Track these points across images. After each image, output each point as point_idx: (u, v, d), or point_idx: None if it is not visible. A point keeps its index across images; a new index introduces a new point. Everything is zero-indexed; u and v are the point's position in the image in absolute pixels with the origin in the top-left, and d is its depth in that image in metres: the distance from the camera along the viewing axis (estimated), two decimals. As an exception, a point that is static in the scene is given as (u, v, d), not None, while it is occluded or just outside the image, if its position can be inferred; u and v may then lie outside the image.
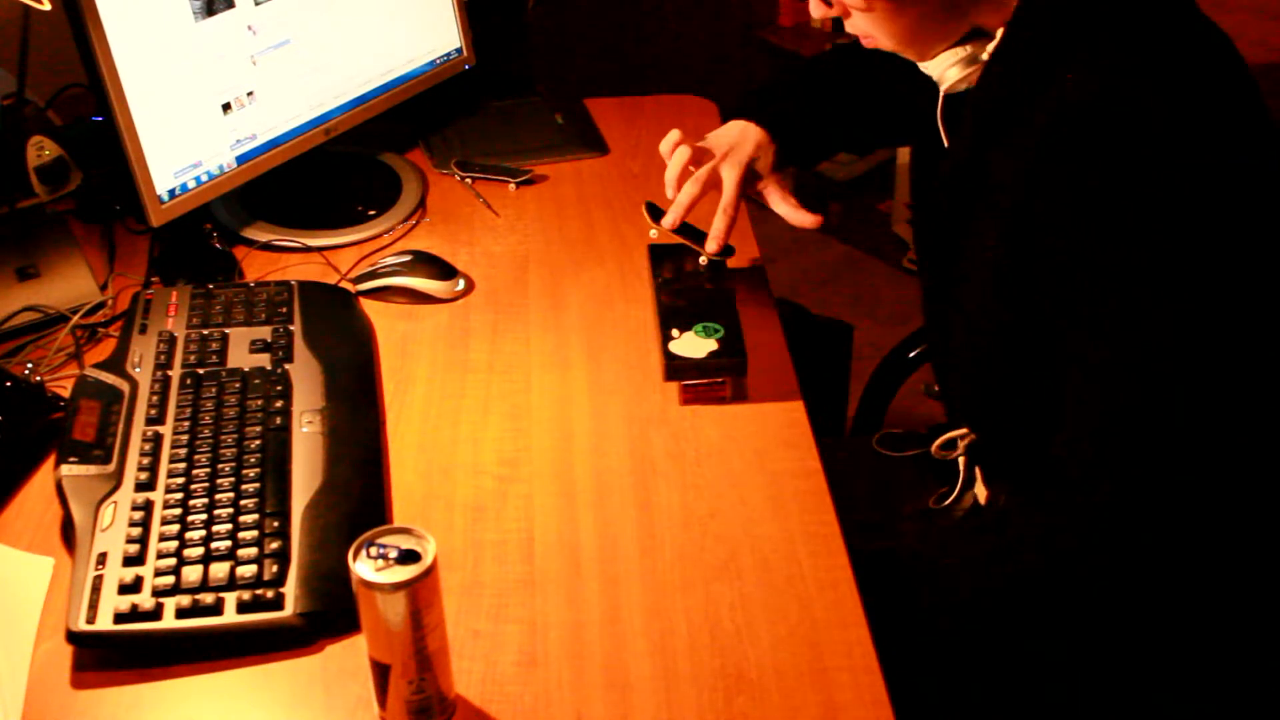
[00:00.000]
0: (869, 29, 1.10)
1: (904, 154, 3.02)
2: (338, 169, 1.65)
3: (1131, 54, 0.97)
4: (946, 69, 1.12)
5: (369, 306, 1.41)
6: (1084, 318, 0.96)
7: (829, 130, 1.45)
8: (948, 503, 1.28)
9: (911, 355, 1.63)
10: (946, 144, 1.16)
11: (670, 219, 1.37)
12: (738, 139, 1.40)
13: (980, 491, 1.20)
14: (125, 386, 1.23)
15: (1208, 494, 0.93)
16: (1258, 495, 0.94)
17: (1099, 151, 0.95)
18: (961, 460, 1.25)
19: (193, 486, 1.12)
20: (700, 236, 1.39)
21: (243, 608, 1.02)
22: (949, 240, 1.11)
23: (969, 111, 1.09)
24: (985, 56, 1.08)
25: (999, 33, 1.06)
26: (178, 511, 1.09)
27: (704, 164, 1.38)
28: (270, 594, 1.03)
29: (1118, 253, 0.93)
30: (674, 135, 1.38)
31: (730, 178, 1.38)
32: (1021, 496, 1.14)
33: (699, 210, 1.38)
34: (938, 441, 1.23)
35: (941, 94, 1.15)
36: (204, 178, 1.43)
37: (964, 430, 1.20)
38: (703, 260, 1.38)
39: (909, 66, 1.16)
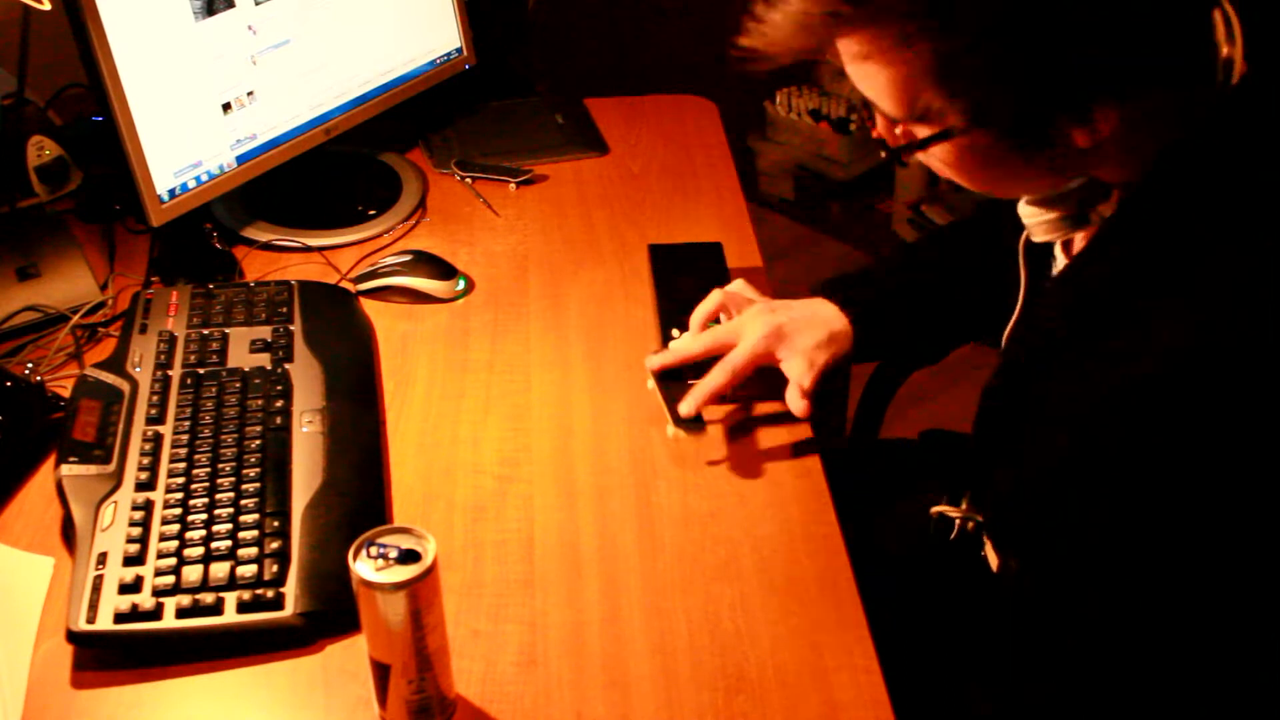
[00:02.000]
0: (956, 178, 0.95)
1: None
2: (338, 169, 1.65)
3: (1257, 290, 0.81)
4: (1039, 222, 0.98)
5: (369, 306, 1.41)
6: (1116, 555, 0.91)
7: (922, 329, 1.27)
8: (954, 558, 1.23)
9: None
10: (1023, 283, 1.07)
11: (655, 360, 1.21)
12: (811, 317, 1.21)
13: (991, 557, 1.17)
14: (125, 386, 1.23)
15: None
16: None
17: (1208, 407, 0.82)
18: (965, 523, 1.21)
19: (193, 486, 1.12)
20: (679, 391, 1.19)
21: (243, 608, 1.02)
22: (1019, 394, 1.00)
23: (1064, 287, 0.97)
24: (1095, 217, 0.95)
25: (1116, 197, 0.92)
26: (178, 511, 1.09)
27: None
28: (270, 594, 1.03)
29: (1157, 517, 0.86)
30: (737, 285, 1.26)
31: (751, 336, 1.18)
32: (1031, 567, 1.08)
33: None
34: (938, 508, 1.18)
35: (1022, 240, 1.04)
36: (204, 178, 1.43)
37: (969, 510, 1.16)
38: (670, 431, 1.18)
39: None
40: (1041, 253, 1.05)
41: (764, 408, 1.26)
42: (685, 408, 1.17)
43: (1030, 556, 1.05)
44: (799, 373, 1.19)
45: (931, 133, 0.89)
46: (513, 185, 1.64)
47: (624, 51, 3.11)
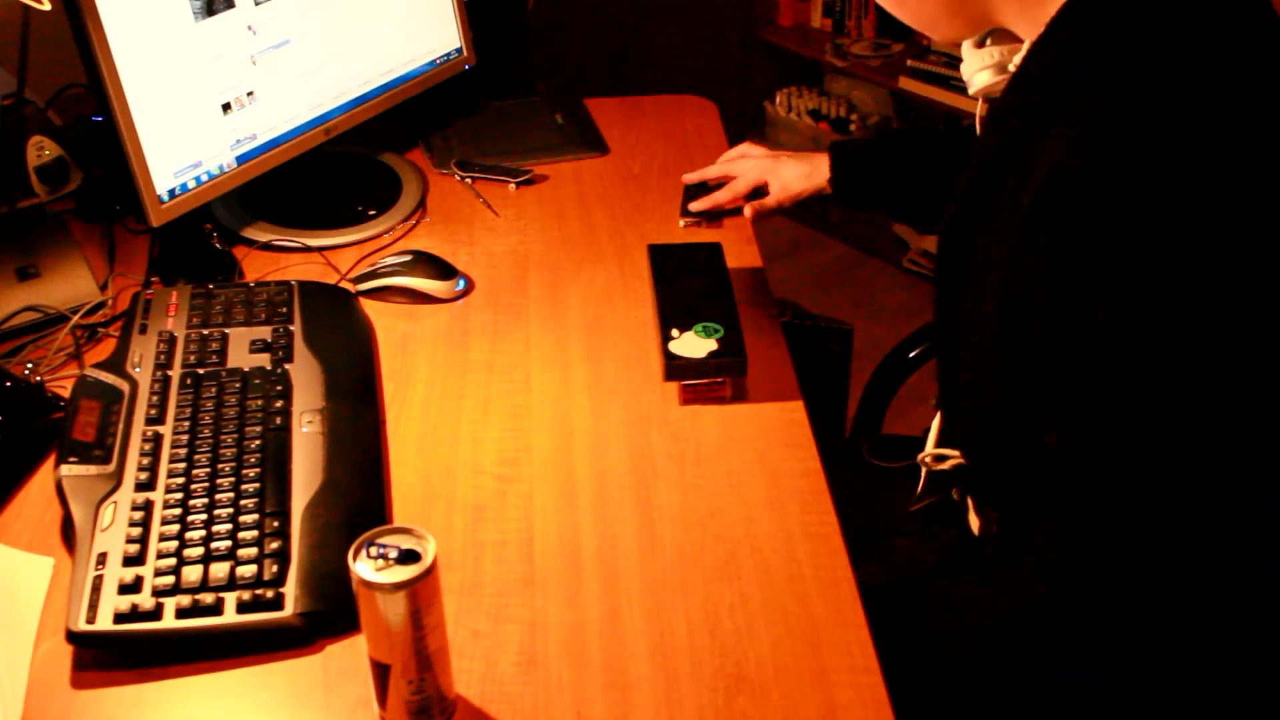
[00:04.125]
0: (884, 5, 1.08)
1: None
2: (338, 169, 1.65)
3: (1153, 90, 0.89)
4: (975, 72, 1.10)
5: (369, 306, 1.41)
6: (1063, 385, 0.94)
7: (898, 176, 1.45)
8: (935, 529, 1.26)
9: (911, 355, 1.63)
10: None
11: (693, 175, 1.56)
12: (799, 160, 1.49)
13: (972, 520, 1.18)
14: (125, 386, 1.23)
15: (1177, 579, 0.93)
16: (1233, 572, 0.93)
17: (1086, 215, 0.88)
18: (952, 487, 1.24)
19: (193, 486, 1.12)
20: (696, 192, 1.55)
21: (243, 608, 1.02)
22: (960, 257, 1.08)
23: (988, 123, 1.05)
24: (1012, 67, 1.04)
25: (1026, 45, 1.01)
26: (178, 511, 1.09)
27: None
28: (270, 594, 1.03)
29: (1096, 328, 0.90)
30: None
31: (751, 171, 1.50)
32: (1010, 526, 1.12)
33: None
34: (927, 453, 1.21)
35: (980, 102, 1.13)
36: (204, 178, 1.43)
37: (955, 452, 1.18)
38: (681, 223, 1.54)
39: None
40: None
41: (764, 408, 1.26)
42: (696, 206, 1.54)
43: (1007, 491, 1.10)
44: (773, 190, 1.49)
45: None
46: (513, 185, 1.64)
47: (624, 51, 3.11)
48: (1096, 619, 0.97)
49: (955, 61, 2.89)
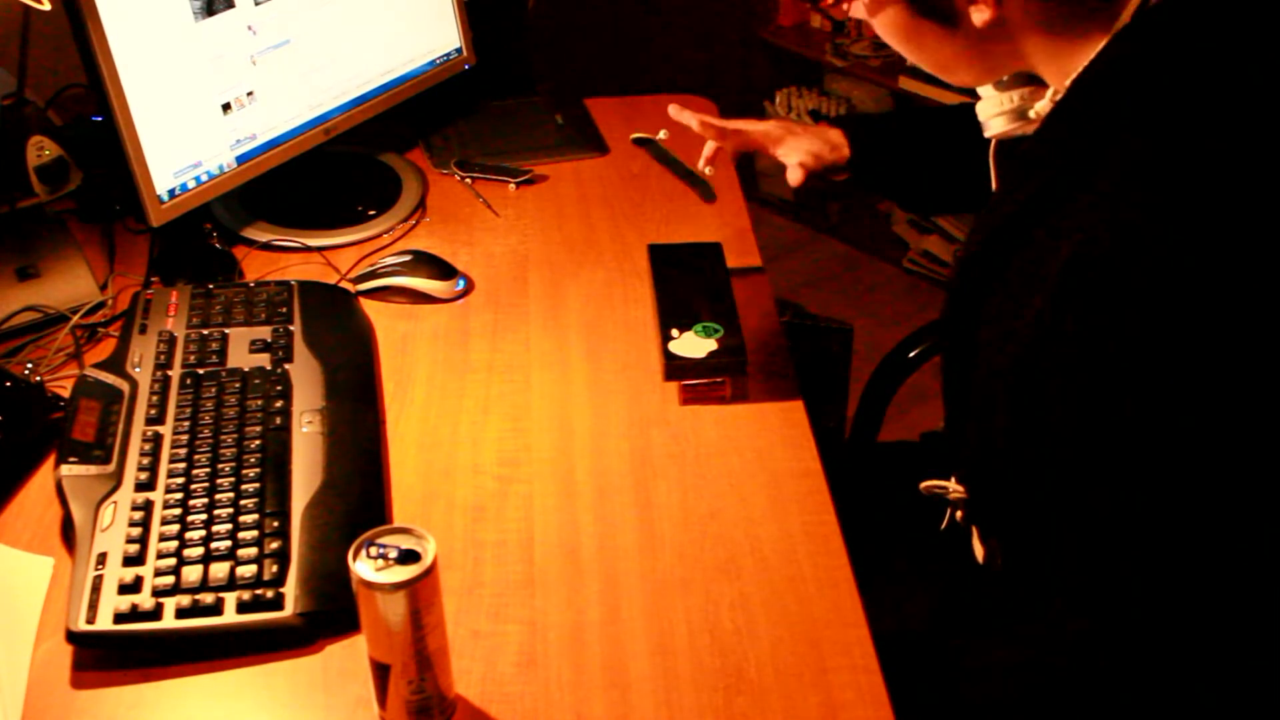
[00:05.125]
0: (899, 50, 1.04)
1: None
2: (338, 169, 1.65)
3: (1196, 164, 0.84)
4: (992, 117, 1.06)
5: (369, 306, 1.41)
6: (1080, 464, 0.91)
7: (910, 181, 1.40)
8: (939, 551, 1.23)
9: (911, 355, 1.62)
10: (994, 187, 1.10)
11: (680, 113, 1.40)
12: (820, 135, 1.38)
13: (976, 547, 1.17)
14: (125, 386, 1.23)
15: (1190, 631, 0.91)
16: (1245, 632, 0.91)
17: (1118, 304, 0.84)
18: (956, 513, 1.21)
19: (193, 486, 1.12)
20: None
21: (243, 608, 1.02)
22: (974, 304, 1.03)
23: (1013, 175, 1.00)
24: (1034, 114, 1.01)
25: (1049, 93, 0.98)
26: (178, 511, 1.09)
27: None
28: (270, 594, 1.03)
29: (1122, 420, 0.87)
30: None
31: (760, 123, 1.39)
32: (1014, 558, 1.09)
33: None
34: (931, 484, 1.18)
35: (993, 142, 1.09)
36: (204, 178, 1.43)
37: (956, 485, 1.16)
38: (662, 134, 1.51)
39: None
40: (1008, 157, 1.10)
41: (764, 408, 1.26)
42: (676, 112, 1.40)
43: (1006, 512, 1.07)
44: (792, 164, 1.34)
45: None
46: (513, 185, 1.64)
47: (624, 51, 3.11)
48: (1119, 688, 0.94)
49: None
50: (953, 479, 1.17)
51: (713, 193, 1.45)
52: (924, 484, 1.19)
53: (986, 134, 1.08)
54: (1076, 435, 0.90)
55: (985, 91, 1.07)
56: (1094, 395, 0.88)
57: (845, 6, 1.03)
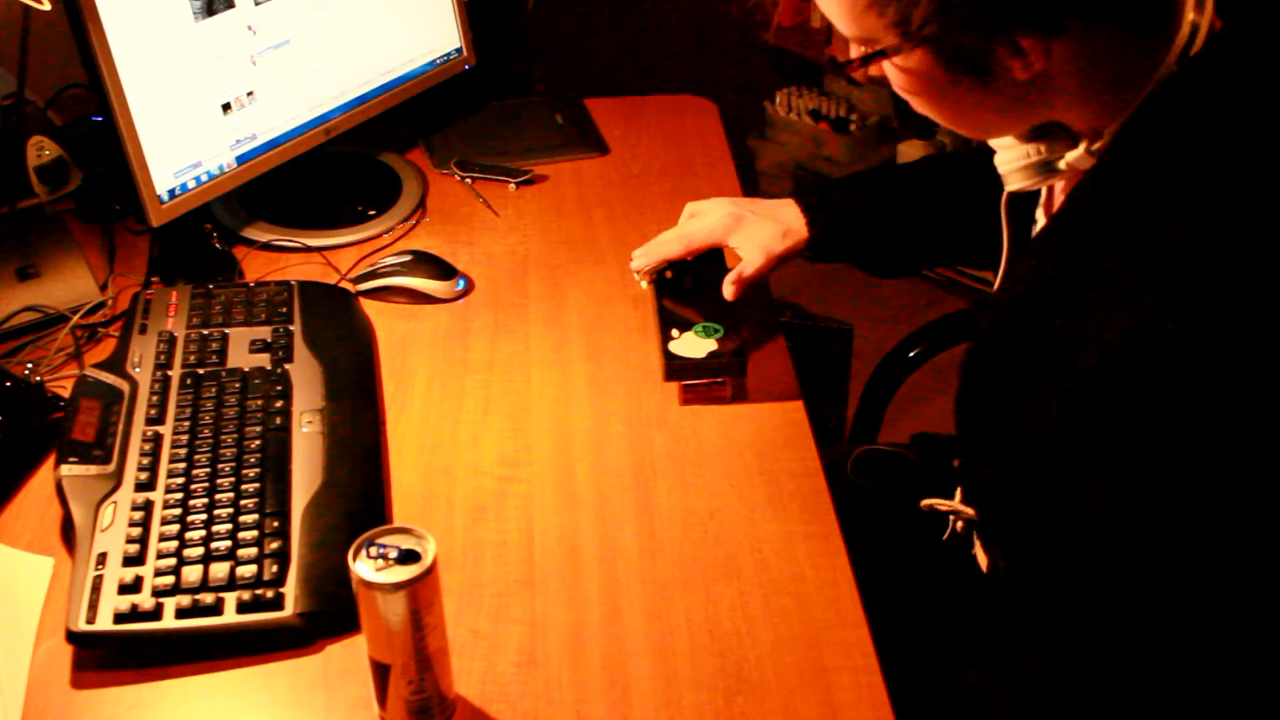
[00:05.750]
0: (917, 106, 0.98)
1: (904, 153, 3.02)
2: (338, 169, 1.65)
3: (1260, 234, 0.79)
4: (1012, 170, 0.99)
5: (369, 306, 1.41)
6: (1128, 524, 0.87)
7: (877, 246, 1.32)
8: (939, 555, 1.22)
9: (911, 355, 1.63)
10: (1006, 241, 1.06)
11: (639, 260, 1.34)
12: (772, 215, 1.30)
13: (980, 556, 1.15)
14: (125, 386, 1.23)
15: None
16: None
17: (1180, 390, 0.80)
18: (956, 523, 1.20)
19: (193, 486, 1.12)
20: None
21: (243, 608, 1.02)
22: (1007, 360, 0.98)
23: (1052, 238, 0.95)
24: (1064, 165, 0.95)
25: (1083, 145, 0.92)
26: (178, 511, 1.09)
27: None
28: (270, 594, 1.03)
29: (1179, 513, 0.83)
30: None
31: (710, 218, 1.31)
32: (1019, 566, 1.07)
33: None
34: (937, 503, 1.16)
35: (1005, 195, 1.04)
36: (204, 178, 1.43)
37: (963, 506, 1.13)
38: (643, 284, 1.35)
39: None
40: (1025, 213, 1.05)
41: (764, 408, 1.26)
42: (637, 261, 1.34)
43: (1019, 546, 1.04)
44: (747, 257, 1.28)
45: (870, 52, 0.93)
46: (513, 185, 1.64)
47: (624, 51, 3.11)
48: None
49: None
50: (957, 497, 1.16)
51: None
52: (925, 502, 1.17)
53: (1008, 187, 1.01)
54: (1124, 506, 0.86)
55: (1003, 142, 1.00)
56: (1148, 475, 0.84)
57: (869, 70, 0.97)
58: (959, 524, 1.17)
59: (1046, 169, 0.97)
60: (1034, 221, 1.06)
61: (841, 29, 0.94)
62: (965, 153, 1.31)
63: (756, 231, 1.29)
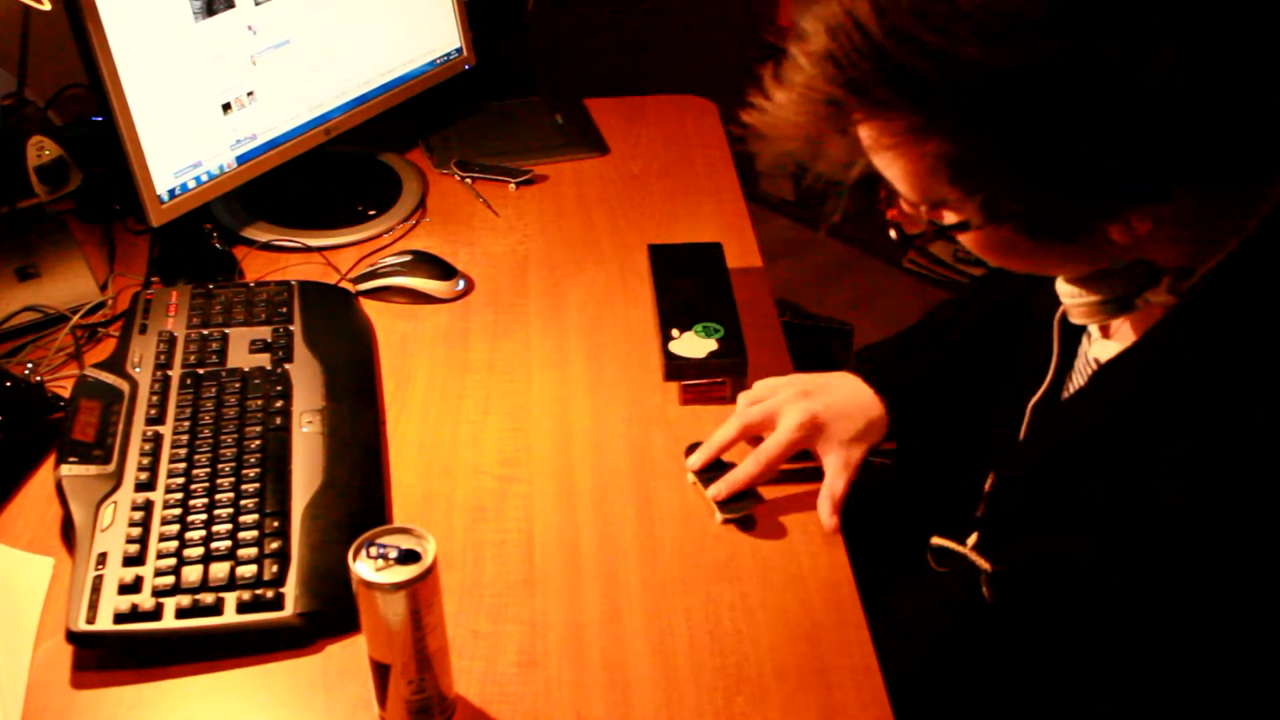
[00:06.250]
0: (992, 263, 0.91)
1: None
2: (338, 169, 1.65)
3: None
4: (1080, 304, 0.93)
5: (369, 306, 1.41)
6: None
7: (962, 401, 1.21)
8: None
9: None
10: (1054, 359, 1.02)
11: (696, 459, 1.16)
12: (847, 404, 1.17)
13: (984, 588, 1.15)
14: (125, 386, 1.23)
15: None
16: None
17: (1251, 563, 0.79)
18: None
19: (193, 486, 1.12)
20: (719, 476, 1.15)
21: (243, 608, 1.02)
22: (1044, 479, 0.96)
23: (1113, 378, 0.91)
24: (1140, 304, 0.90)
25: (1166, 282, 0.87)
26: (178, 511, 1.09)
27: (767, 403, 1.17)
28: (270, 594, 1.03)
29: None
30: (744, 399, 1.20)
31: (787, 425, 1.14)
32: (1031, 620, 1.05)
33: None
34: (940, 541, 1.12)
35: (1059, 314, 1.00)
36: (204, 178, 1.43)
37: (978, 557, 1.10)
38: (718, 518, 1.13)
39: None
40: (1073, 325, 1.01)
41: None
42: (715, 490, 1.13)
43: (1037, 620, 1.02)
44: (833, 472, 1.14)
45: (949, 223, 0.86)
46: (513, 185, 1.64)
47: (624, 51, 3.10)
48: None
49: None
50: (971, 544, 1.09)
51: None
52: (935, 540, 1.12)
53: (1072, 319, 0.96)
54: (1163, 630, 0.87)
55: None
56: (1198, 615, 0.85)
57: (941, 242, 0.92)
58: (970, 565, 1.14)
59: (1122, 306, 0.91)
60: (1086, 334, 1.01)
61: (907, 194, 0.87)
62: (1002, 283, 1.24)
63: (836, 434, 1.15)
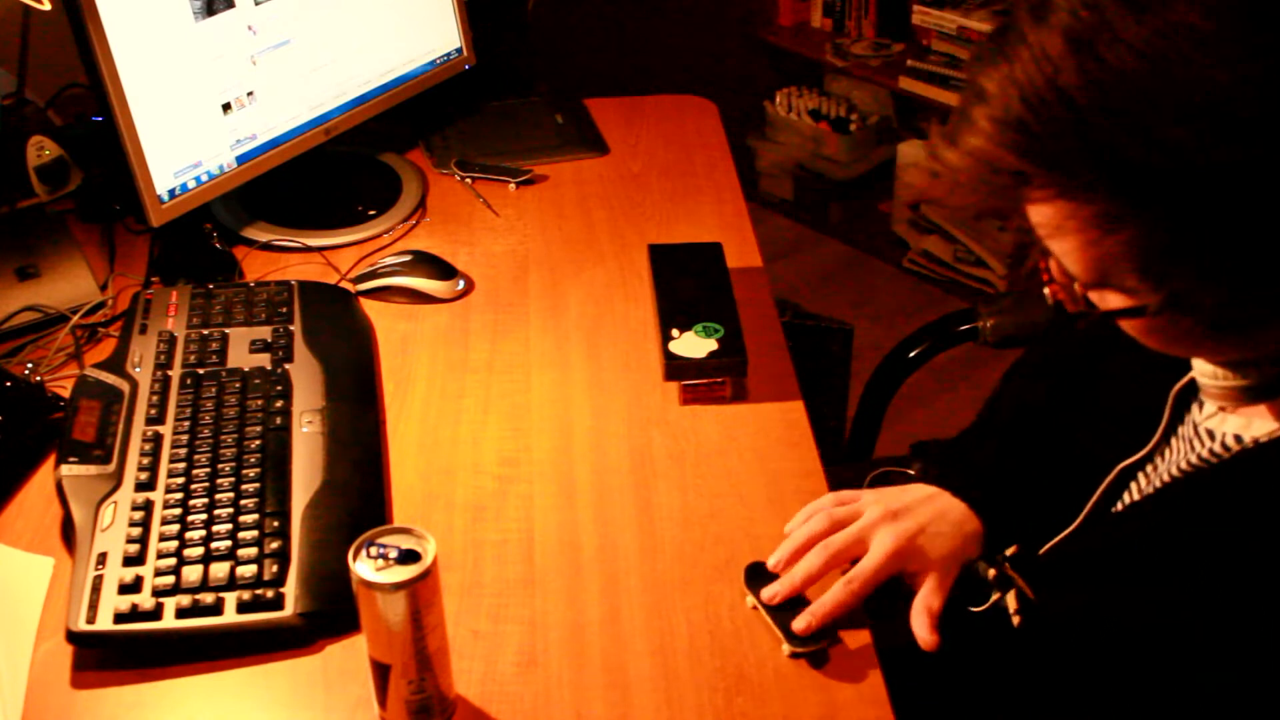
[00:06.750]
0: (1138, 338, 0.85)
1: (904, 153, 3.02)
2: (338, 169, 1.65)
3: None
4: (1217, 387, 0.89)
5: (369, 306, 1.41)
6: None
7: (1049, 498, 1.12)
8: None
9: (911, 355, 1.63)
10: (1163, 425, 0.98)
11: (776, 590, 1.04)
12: (940, 522, 1.07)
13: (1010, 600, 1.10)
14: (125, 386, 1.23)
15: None
16: None
17: None
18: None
19: (193, 486, 1.12)
20: (790, 614, 1.02)
21: (243, 608, 1.02)
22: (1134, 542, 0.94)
23: (1255, 463, 0.87)
24: None
25: None
26: (178, 511, 1.09)
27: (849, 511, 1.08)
28: (270, 594, 1.03)
29: None
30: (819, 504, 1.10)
31: (880, 550, 1.04)
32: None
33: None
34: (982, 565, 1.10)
35: (1186, 381, 0.95)
36: (204, 178, 1.43)
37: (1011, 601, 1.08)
38: (785, 649, 1.01)
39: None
40: (1185, 390, 0.97)
41: (764, 408, 1.26)
42: (801, 624, 1.01)
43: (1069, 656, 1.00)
44: (930, 589, 1.04)
45: (1121, 307, 0.80)
46: (513, 185, 1.64)
47: (624, 51, 3.11)
48: None
49: (956, 62, 2.87)
50: (1012, 596, 1.07)
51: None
52: (978, 564, 1.09)
53: (1204, 397, 0.92)
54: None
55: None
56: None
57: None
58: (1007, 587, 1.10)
59: (1263, 394, 0.87)
60: (1196, 405, 0.97)
61: (1076, 272, 0.80)
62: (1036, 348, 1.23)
63: (933, 553, 1.06)
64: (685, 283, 1.37)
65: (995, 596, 1.10)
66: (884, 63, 2.93)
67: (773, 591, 1.03)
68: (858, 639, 1.02)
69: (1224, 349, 0.86)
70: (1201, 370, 0.91)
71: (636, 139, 1.74)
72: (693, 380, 1.27)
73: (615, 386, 1.29)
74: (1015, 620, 1.09)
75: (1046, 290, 0.85)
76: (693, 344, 1.27)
